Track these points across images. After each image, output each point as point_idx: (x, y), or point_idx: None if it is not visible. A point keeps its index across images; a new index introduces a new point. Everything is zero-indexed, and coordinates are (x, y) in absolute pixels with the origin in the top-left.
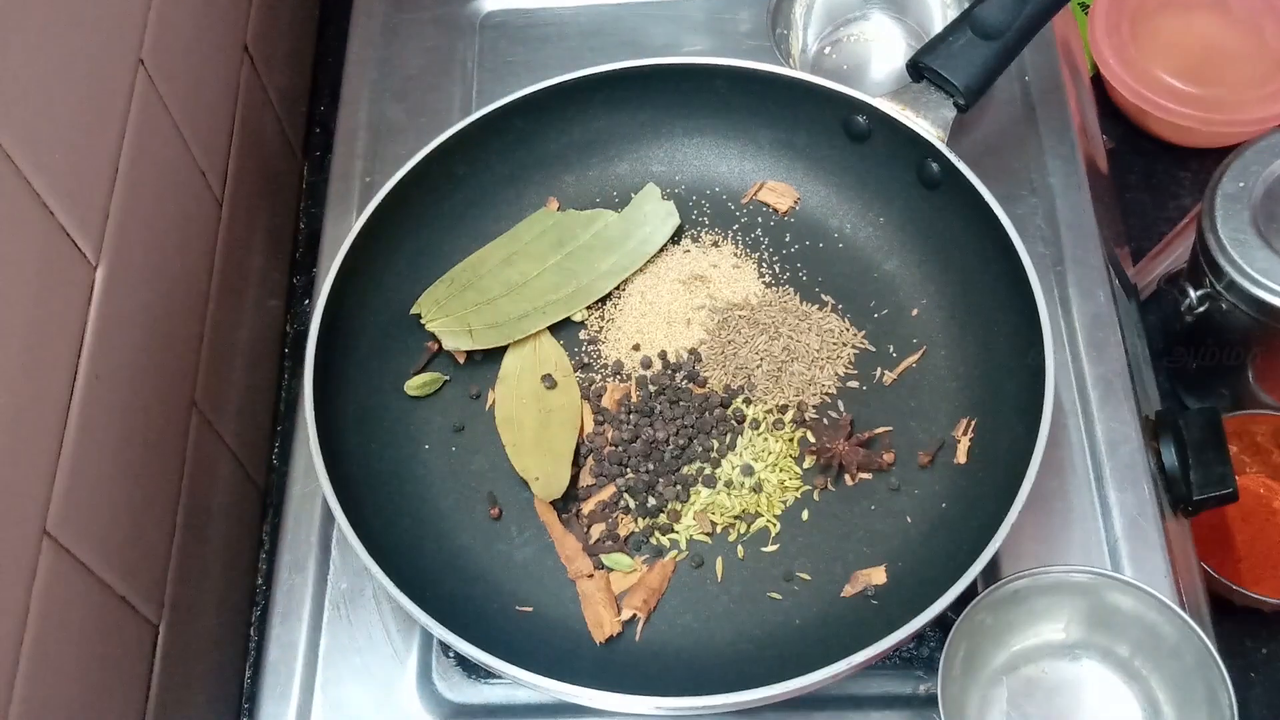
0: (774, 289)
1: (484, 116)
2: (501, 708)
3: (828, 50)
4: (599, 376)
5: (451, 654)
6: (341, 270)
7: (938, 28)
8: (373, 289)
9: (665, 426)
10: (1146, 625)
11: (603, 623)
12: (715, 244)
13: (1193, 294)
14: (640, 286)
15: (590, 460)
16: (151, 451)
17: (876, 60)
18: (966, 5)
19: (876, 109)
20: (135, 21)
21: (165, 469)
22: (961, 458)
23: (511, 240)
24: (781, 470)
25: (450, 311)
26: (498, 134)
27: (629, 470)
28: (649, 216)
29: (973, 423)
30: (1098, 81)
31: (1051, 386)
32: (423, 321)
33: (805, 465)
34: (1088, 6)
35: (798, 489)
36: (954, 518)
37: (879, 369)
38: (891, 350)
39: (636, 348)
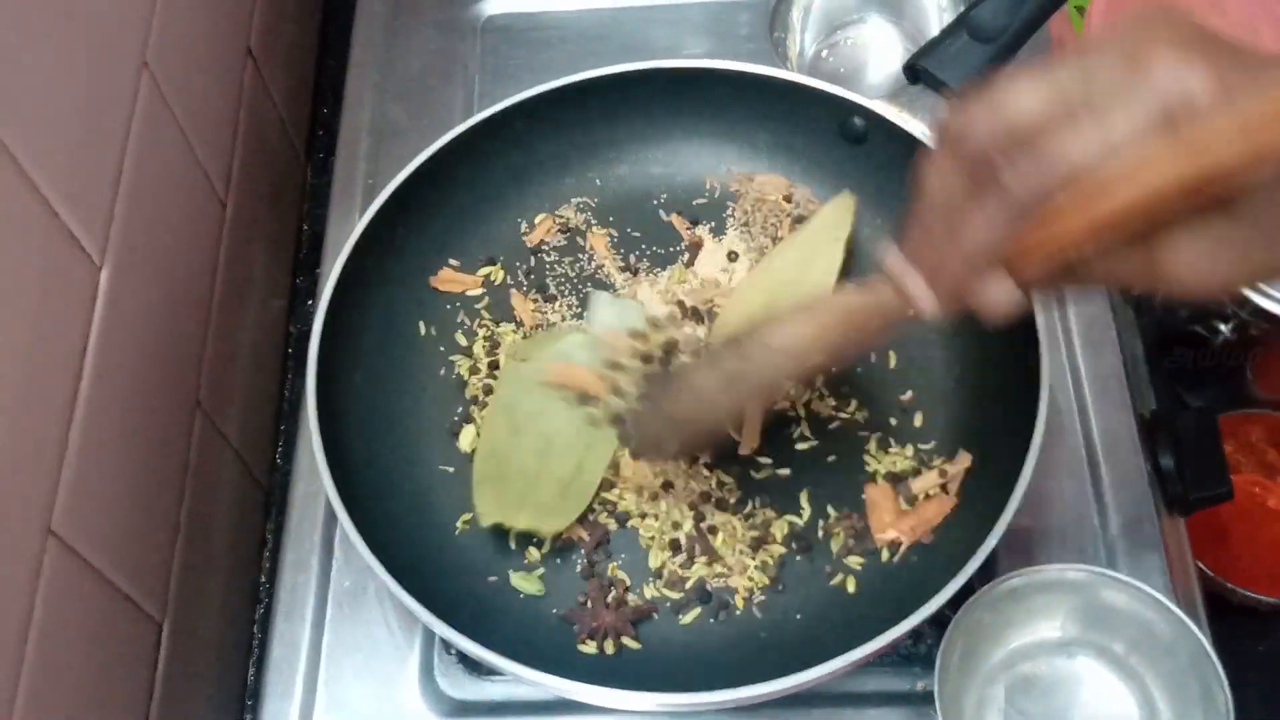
0: None
1: (486, 119)
2: (503, 705)
3: (825, 53)
4: None
5: (454, 651)
6: (344, 271)
7: (934, 31)
8: (375, 290)
9: None
10: (1142, 623)
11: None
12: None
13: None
14: (643, 294)
15: None
16: (155, 451)
17: (873, 63)
18: (962, 8)
19: (873, 111)
20: (139, 24)
21: (169, 468)
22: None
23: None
24: None
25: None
26: (499, 136)
27: None
28: None
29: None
30: None
31: (1047, 386)
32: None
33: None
34: (1083, 9)
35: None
36: (951, 515)
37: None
38: (889, 350)
39: None
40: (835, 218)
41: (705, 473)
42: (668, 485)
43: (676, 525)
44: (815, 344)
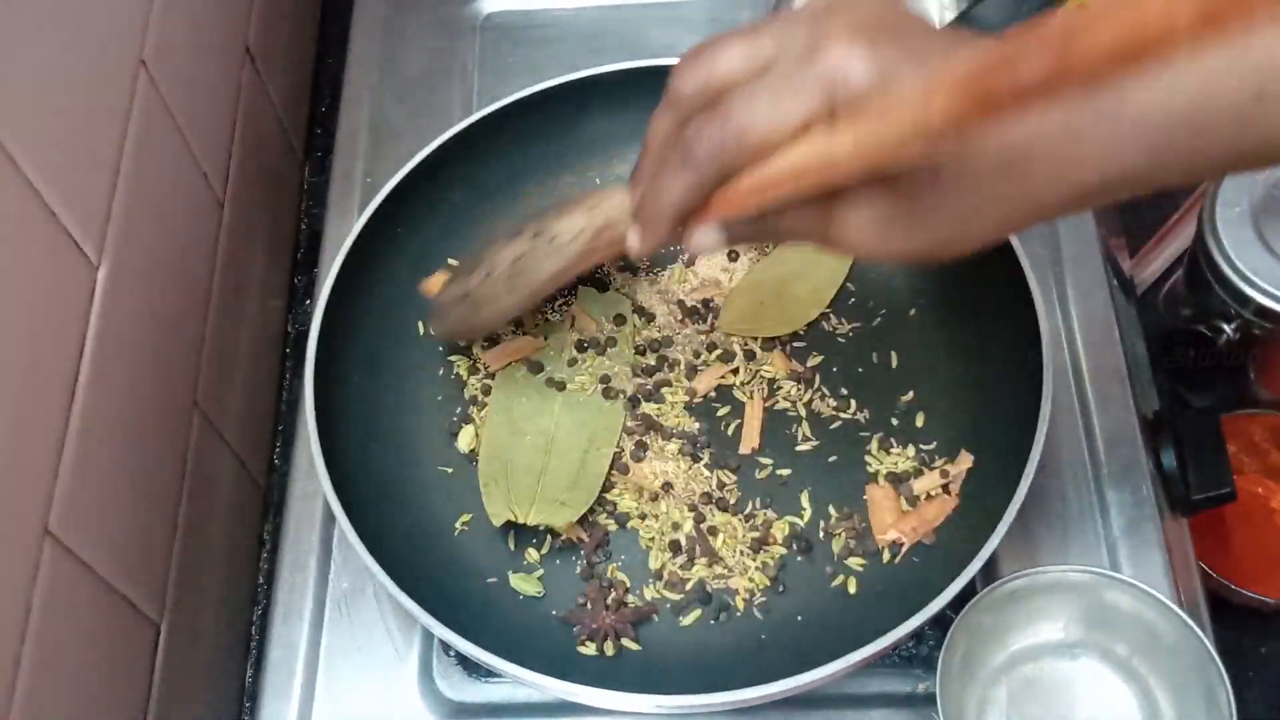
0: None
1: (484, 117)
2: (502, 706)
3: None
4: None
5: (452, 653)
6: (342, 271)
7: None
8: (374, 289)
9: None
10: (1145, 624)
11: (886, 529)
12: None
13: (1192, 296)
14: (643, 293)
15: None
16: (153, 451)
17: None
18: (964, 6)
19: None
20: (137, 23)
21: (167, 469)
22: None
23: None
24: None
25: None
26: (498, 135)
27: None
28: None
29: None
30: None
31: (1050, 386)
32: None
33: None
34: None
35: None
36: (952, 517)
37: (876, 357)
38: (890, 350)
39: None
40: None
41: (705, 473)
42: (668, 486)
43: (676, 526)
44: (583, 242)
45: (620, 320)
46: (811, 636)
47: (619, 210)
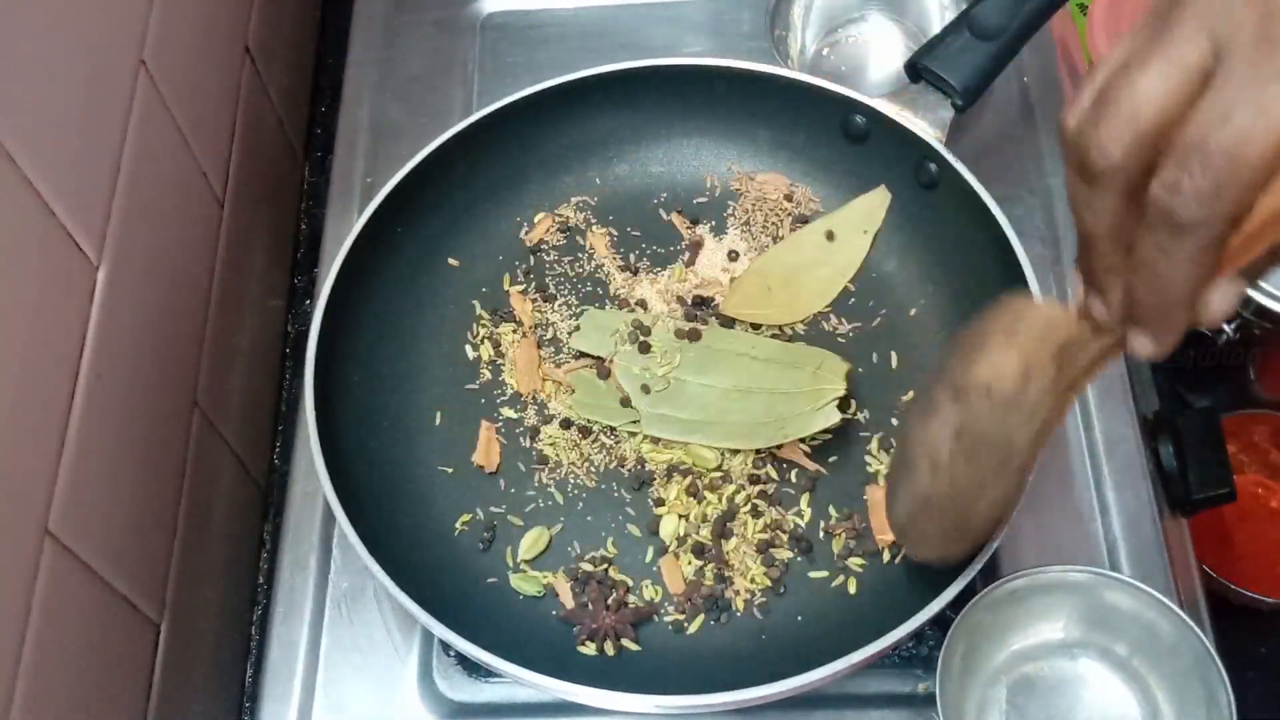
0: None
1: (484, 117)
2: (502, 706)
3: (826, 51)
4: None
5: (452, 653)
6: (342, 271)
7: (935, 29)
8: (374, 289)
9: None
10: (1145, 624)
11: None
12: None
13: None
14: (643, 293)
15: None
16: (153, 451)
17: (875, 61)
18: (964, 6)
19: (875, 110)
20: (137, 22)
21: (167, 468)
22: None
23: None
24: None
25: None
26: (498, 135)
27: None
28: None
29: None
30: None
31: None
32: None
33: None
34: (1086, 7)
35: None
36: None
37: (875, 358)
38: (891, 350)
39: None
40: (867, 211)
41: None
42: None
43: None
44: (1043, 384)
45: (640, 334)
46: (811, 636)
47: (1066, 326)
